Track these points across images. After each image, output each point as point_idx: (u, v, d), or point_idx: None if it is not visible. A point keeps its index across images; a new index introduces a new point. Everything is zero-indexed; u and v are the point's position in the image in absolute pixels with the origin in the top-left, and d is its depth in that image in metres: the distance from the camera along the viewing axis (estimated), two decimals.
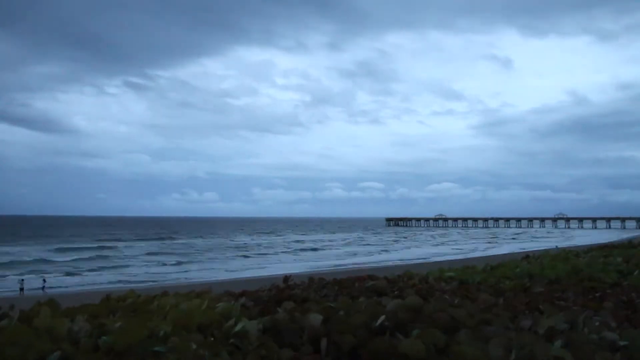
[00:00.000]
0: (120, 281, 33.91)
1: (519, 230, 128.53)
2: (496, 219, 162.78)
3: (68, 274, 38.31)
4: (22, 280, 29.81)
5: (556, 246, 44.29)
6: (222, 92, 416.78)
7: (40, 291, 27.75)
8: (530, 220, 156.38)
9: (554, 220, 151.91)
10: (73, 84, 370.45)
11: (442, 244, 77.27)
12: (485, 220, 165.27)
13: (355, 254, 58.16)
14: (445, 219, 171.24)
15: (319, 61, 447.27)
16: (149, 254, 57.39)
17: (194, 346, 2.97)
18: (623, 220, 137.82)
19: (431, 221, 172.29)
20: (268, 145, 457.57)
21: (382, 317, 3.59)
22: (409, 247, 69.24)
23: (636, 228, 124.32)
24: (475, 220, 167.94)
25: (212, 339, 3.34)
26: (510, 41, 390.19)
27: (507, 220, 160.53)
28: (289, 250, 65.45)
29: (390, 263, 42.10)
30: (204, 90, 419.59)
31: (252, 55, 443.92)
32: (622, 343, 3.30)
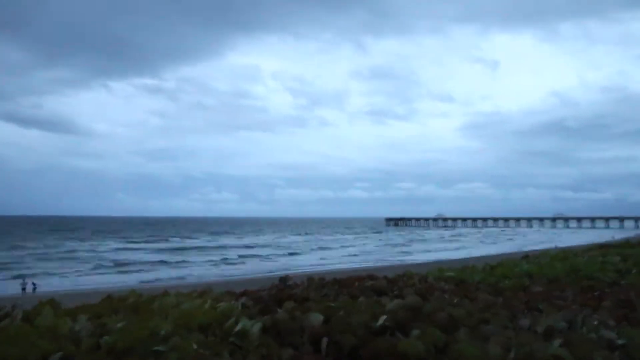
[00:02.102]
0: None
1: (535, 230, 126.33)
2: (495, 219, 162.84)
3: None
4: (24, 280, 29.74)
5: (555, 246, 44.39)
6: (228, 92, 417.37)
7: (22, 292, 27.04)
8: (529, 220, 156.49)
9: (553, 220, 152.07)
10: (81, 85, 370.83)
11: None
12: (485, 220, 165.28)
13: None
14: (445, 219, 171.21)
15: (319, 62, 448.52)
16: None
17: (195, 346, 2.98)
18: (622, 220, 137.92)
19: (431, 221, 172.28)
20: (271, 145, 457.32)
21: (383, 317, 3.61)
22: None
23: (634, 228, 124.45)
24: (474, 220, 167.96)
25: (213, 338, 3.36)
26: (502, 44, 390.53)
27: (506, 220, 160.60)
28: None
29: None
30: (212, 91, 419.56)
31: (251, 56, 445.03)
32: (620, 342, 3.33)
